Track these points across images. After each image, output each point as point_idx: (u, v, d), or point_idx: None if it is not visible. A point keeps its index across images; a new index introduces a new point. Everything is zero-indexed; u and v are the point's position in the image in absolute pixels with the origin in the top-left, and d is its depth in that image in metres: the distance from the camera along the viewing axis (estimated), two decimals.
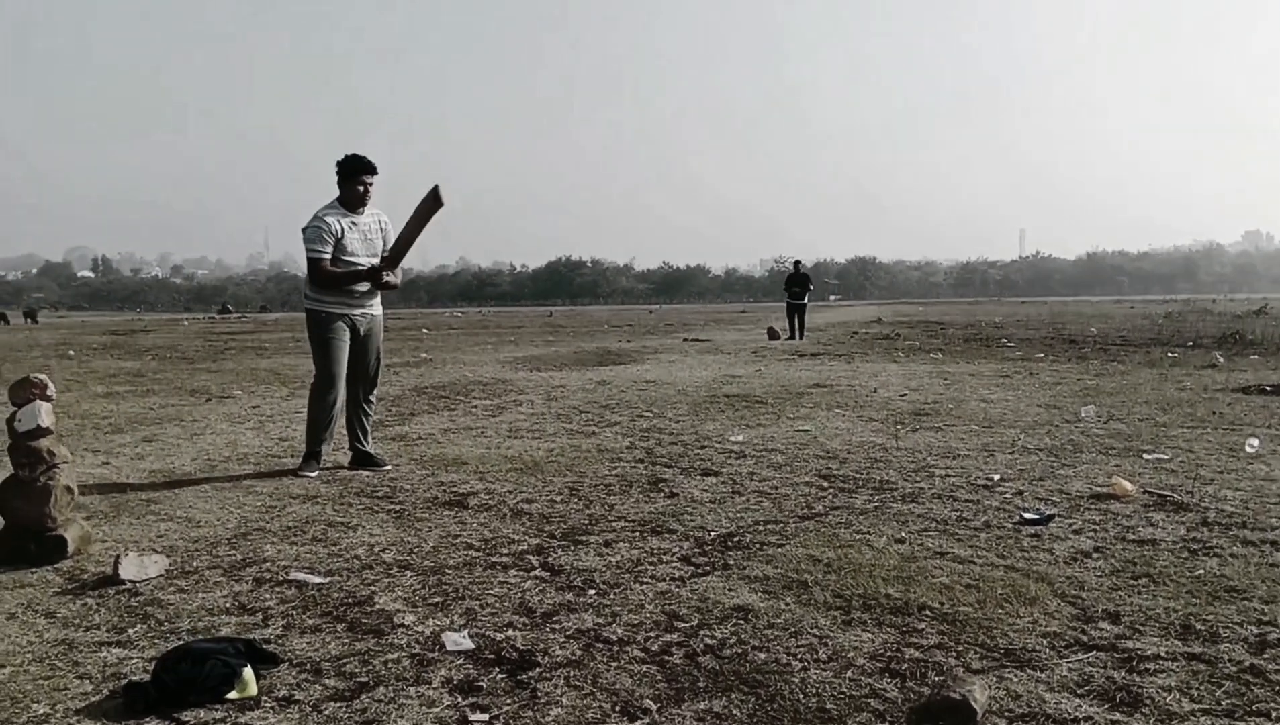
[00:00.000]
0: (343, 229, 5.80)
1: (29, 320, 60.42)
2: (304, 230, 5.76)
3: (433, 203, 5.77)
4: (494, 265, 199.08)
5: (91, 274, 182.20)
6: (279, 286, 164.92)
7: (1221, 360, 13.19)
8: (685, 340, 22.31)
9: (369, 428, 6.20)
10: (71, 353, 19.05)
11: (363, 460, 6.05)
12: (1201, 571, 3.66)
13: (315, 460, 5.93)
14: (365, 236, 5.93)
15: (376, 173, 5.91)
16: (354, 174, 5.82)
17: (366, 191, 5.87)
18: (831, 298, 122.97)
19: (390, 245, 6.01)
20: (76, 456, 6.49)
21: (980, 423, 7.58)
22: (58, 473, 4.03)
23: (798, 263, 24.08)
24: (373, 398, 6.25)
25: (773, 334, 22.42)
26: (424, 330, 31.01)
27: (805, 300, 22.78)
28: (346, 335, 5.93)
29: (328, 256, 5.75)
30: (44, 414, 4.01)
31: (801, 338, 21.66)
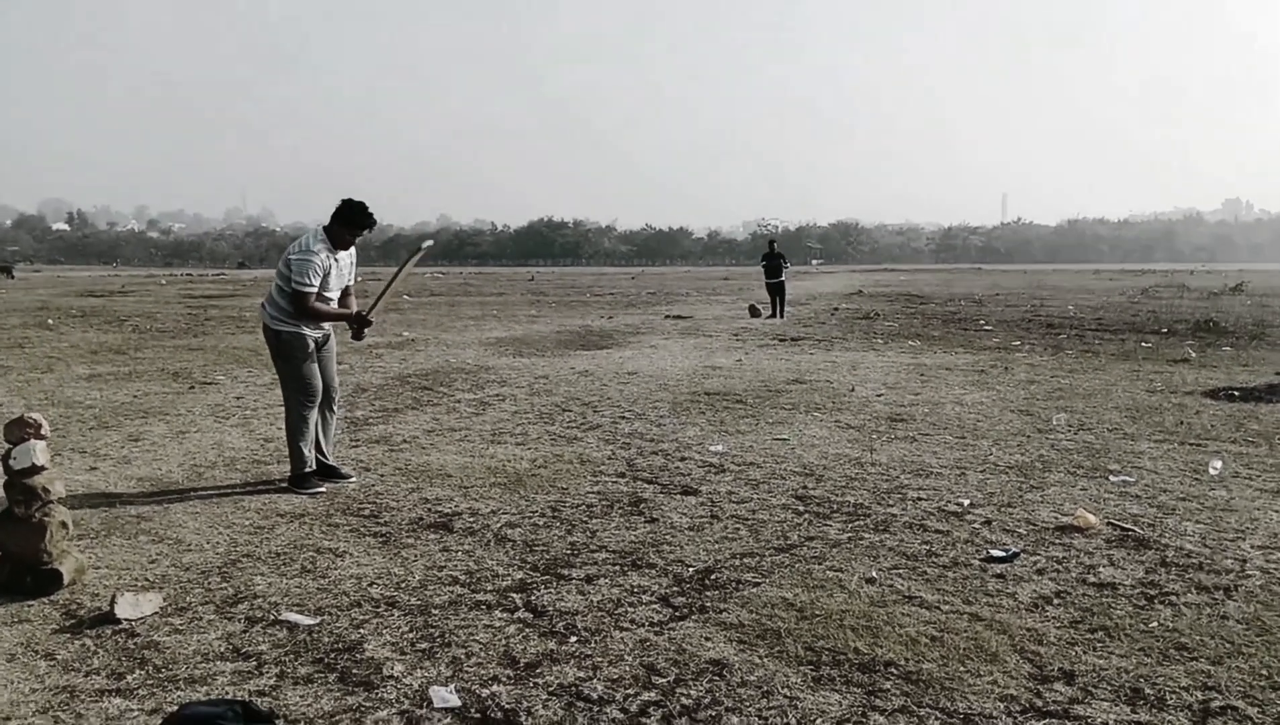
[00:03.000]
0: (330, 266, 5.92)
1: (4, 274, 59.84)
2: (294, 259, 5.83)
3: (420, 256, 5.98)
4: (475, 223, 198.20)
5: (67, 227, 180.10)
6: (257, 242, 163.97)
7: (1194, 354, 13.42)
8: (667, 316, 22.43)
9: (331, 438, 6.30)
10: (50, 322, 18.99)
11: (327, 472, 6.16)
12: (1155, 623, 3.84)
13: (315, 477, 6.05)
14: (340, 272, 6.10)
15: (375, 228, 6.15)
16: (355, 224, 5.98)
17: (355, 239, 6.08)
18: (814, 263, 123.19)
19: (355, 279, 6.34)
20: (63, 458, 6.62)
21: (954, 432, 7.75)
22: (53, 509, 4.13)
23: (772, 242, 24.19)
24: (335, 407, 6.35)
25: (754, 311, 22.59)
26: (405, 297, 30.99)
27: (783, 277, 22.90)
28: (315, 352, 6.09)
29: (315, 290, 5.86)
30: (39, 452, 4.10)
31: (782, 316, 21.80)
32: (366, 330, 6.19)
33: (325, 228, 6.00)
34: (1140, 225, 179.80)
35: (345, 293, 6.23)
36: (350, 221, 5.96)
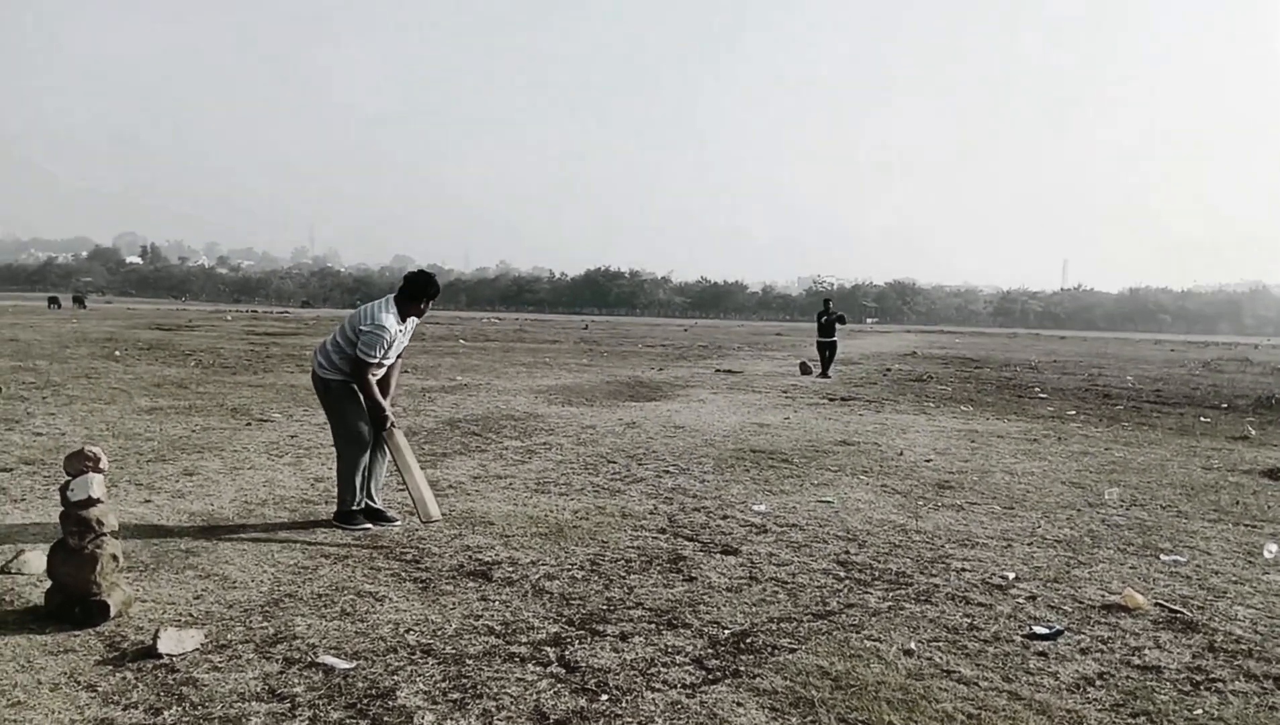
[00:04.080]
0: (395, 337, 6.11)
1: (77, 305, 61.64)
2: (365, 330, 5.96)
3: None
4: (533, 271, 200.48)
5: (140, 261, 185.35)
6: (321, 281, 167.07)
7: (1254, 432, 13.11)
8: (717, 370, 22.43)
9: (380, 482, 6.39)
10: (117, 353, 19.50)
11: (373, 515, 6.24)
12: (1200, 711, 3.75)
13: (361, 516, 6.15)
14: (401, 342, 6.26)
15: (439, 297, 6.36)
16: (424, 297, 6.18)
17: (425, 309, 6.27)
18: (869, 322, 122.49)
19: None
20: (119, 489, 6.78)
21: (1003, 502, 7.64)
22: (105, 541, 4.24)
23: (828, 301, 24.08)
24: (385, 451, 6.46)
25: (805, 369, 22.49)
26: (460, 342, 31.38)
27: (834, 336, 22.81)
28: None
29: (378, 362, 6.06)
30: (95, 485, 4.22)
31: (827, 375, 21.68)
32: (390, 424, 6.22)
33: (395, 298, 6.16)
34: (1204, 296, 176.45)
35: (398, 356, 6.39)
36: (418, 294, 6.16)
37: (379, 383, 6.17)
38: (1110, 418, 14.64)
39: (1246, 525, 7.10)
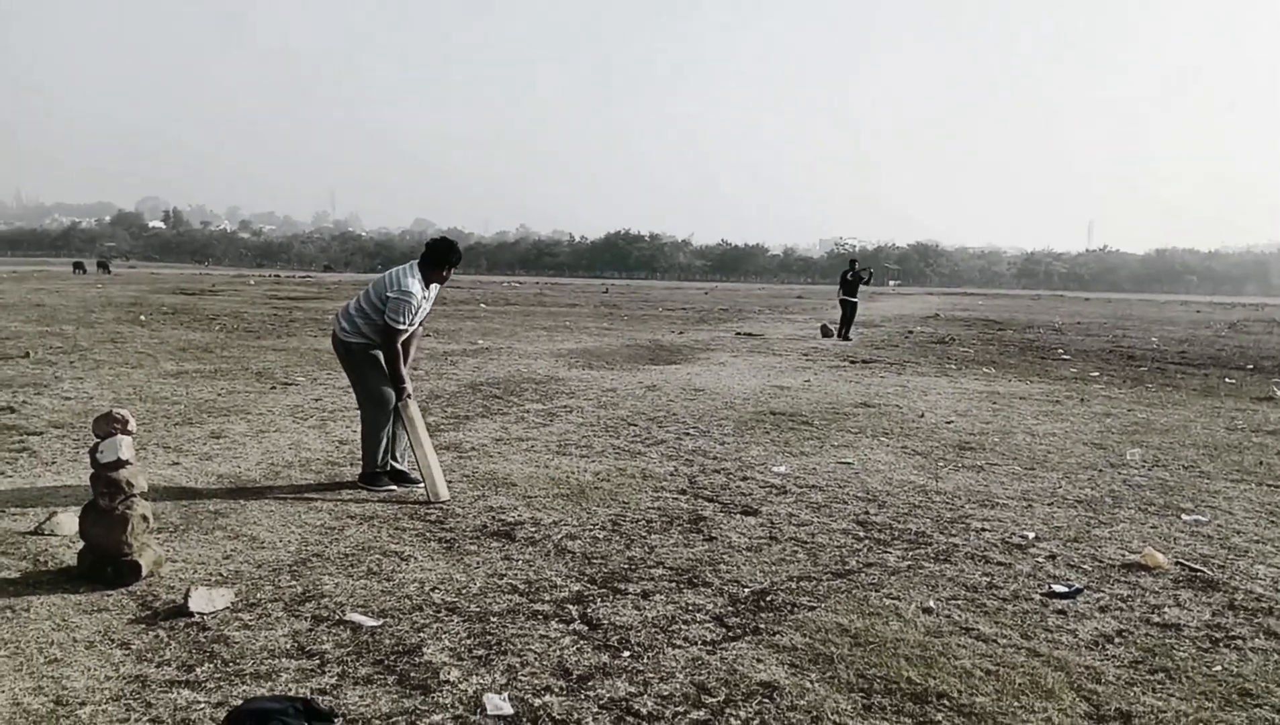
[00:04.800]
0: (421, 303, 6.16)
1: (102, 270, 62.10)
2: (392, 297, 6.00)
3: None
4: (554, 234, 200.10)
5: (163, 225, 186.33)
6: (343, 246, 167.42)
7: (1279, 393, 13.01)
8: (737, 334, 22.41)
9: (403, 444, 6.44)
10: (143, 318, 19.68)
11: (397, 476, 6.31)
12: (1219, 668, 3.77)
13: (385, 477, 6.23)
14: (425, 307, 6.30)
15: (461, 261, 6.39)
16: (446, 263, 6.22)
17: (446, 275, 6.30)
18: (891, 284, 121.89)
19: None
20: (147, 452, 6.88)
21: (1024, 462, 7.64)
22: (135, 502, 4.31)
23: (853, 261, 23.97)
24: None
25: (826, 331, 22.44)
26: (481, 306, 31.46)
27: (856, 296, 22.78)
28: None
29: (406, 329, 6.13)
30: (124, 447, 4.29)
31: (848, 337, 21.65)
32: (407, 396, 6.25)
33: (418, 264, 6.19)
34: (1232, 257, 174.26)
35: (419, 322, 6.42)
36: (440, 261, 6.20)
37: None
38: (1134, 379, 14.56)
39: (1270, 485, 7.08)
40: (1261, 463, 7.92)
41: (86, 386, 10.01)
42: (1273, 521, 6.03)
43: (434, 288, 6.33)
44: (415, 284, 6.08)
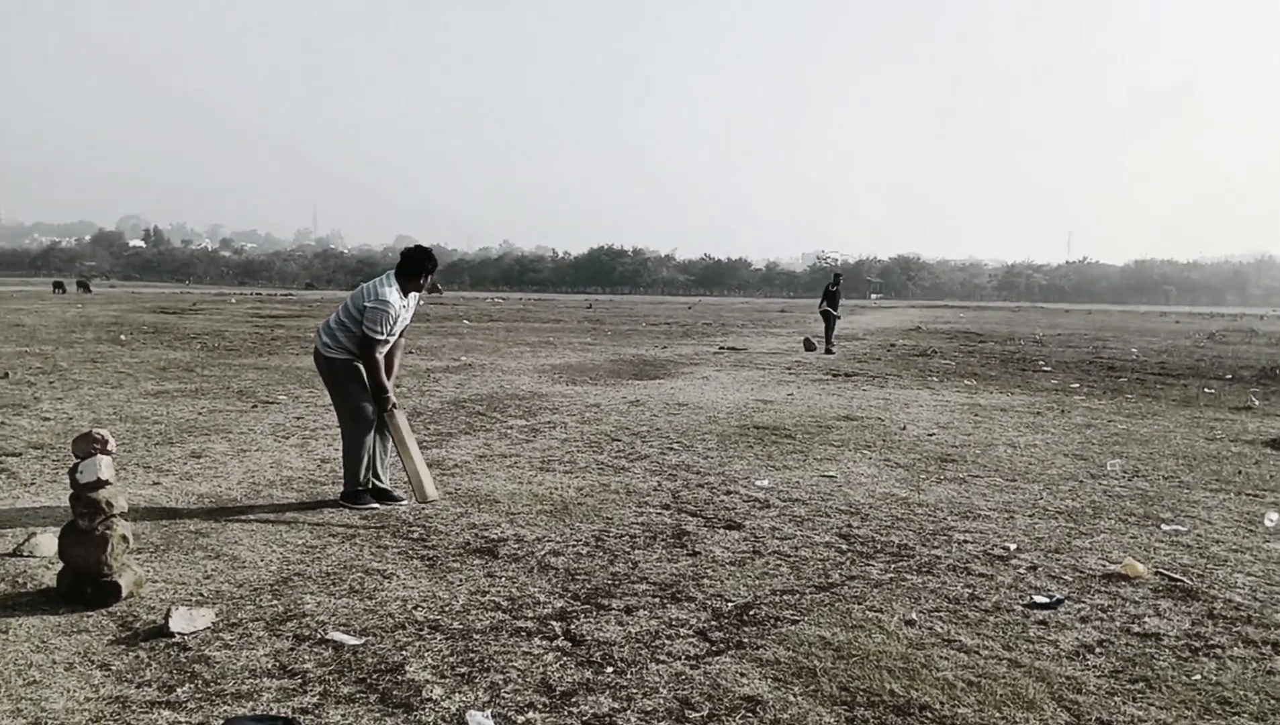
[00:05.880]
0: (400, 313, 6.15)
1: (82, 289, 61.72)
2: (369, 307, 6.00)
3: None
4: (537, 250, 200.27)
5: (143, 244, 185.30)
6: (325, 263, 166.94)
7: (1257, 403, 13.13)
8: (721, 348, 22.46)
9: (386, 462, 6.43)
10: (123, 337, 19.56)
11: (380, 495, 6.30)
12: (1199, 677, 3.79)
13: (368, 495, 6.21)
14: (405, 317, 6.30)
15: (437, 268, 6.39)
16: (422, 270, 6.23)
17: (425, 283, 6.30)
18: (873, 297, 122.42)
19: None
20: (128, 472, 6.84)
21: (1005, 474, 7.69)
22: (115, 523, 4.29)
23: (838, 276, 24.13)
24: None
25: (809, 345, 22.52)
26: (465, 322, 31.43)
27: (838, 311, 23.02)
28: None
29: (385, 339, 6.12)
30: (104, 467, 4.27)
31: (831, 351, 21.77)
32: (390, 406, 6.24)
33: (395, 274, 6.19)
34: (1210, 268, 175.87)
35: (400, 334, 6.42)
36: (416, 269, 6.21)
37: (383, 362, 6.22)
38: (1114, 390, 14.66)
39: (1248, 495, 7.14)
40: (1240, 472, 7.99)
41: (66, 406, 9.94)
42: (1251, 531, 6.09)
43: (413, 297, 6.32)
44: (393, 294, 6.08)
